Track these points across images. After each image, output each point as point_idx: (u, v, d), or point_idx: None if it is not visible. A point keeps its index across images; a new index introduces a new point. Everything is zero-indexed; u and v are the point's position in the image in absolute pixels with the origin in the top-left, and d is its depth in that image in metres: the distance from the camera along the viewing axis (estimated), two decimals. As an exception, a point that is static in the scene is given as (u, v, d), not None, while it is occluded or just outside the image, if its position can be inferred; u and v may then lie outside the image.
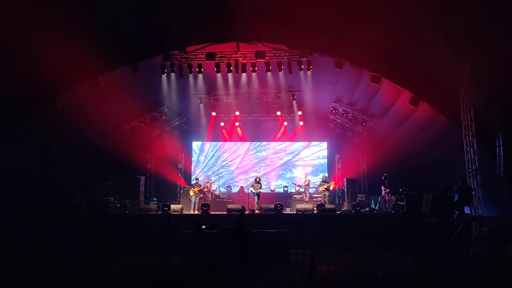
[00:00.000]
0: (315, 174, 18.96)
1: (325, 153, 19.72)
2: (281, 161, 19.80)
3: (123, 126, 16.82)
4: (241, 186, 17.94)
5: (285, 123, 19.39)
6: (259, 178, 16.16)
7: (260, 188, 15.66)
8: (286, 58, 14.33)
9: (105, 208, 13.96)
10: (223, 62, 14.44)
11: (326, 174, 18.21)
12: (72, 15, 10.29)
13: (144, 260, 8.94)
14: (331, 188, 16.88)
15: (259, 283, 8.52)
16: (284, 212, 14.29)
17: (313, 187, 17.64)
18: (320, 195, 16.23)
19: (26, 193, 12.12)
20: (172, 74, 15.06)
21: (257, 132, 19.86)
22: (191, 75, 15.39)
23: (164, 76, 15.29)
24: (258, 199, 15.31)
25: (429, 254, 9.48)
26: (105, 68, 12.78)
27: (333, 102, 17.61)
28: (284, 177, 19.52)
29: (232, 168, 19.78)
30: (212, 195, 17.14)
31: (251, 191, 15.59)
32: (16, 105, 12.07)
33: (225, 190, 18.71)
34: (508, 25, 9.80)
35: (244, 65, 14.50)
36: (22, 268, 9.19)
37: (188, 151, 19.82)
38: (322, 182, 16.19)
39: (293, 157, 19.88)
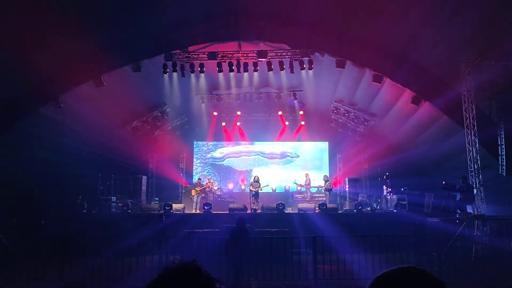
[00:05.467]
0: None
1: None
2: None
3: (125, 125, 16.85)
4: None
5: (287, 123, 19.39)
6: (258, 177, 16.16)
7: (259, 187, 15.66)
8: (287, 57, 14.33)
9: (107, 208, 13.99)
10: (225, 62, 14.45)
11: (326, 174, 18.09)
12: (75, 14, 10.31)
13: (146, 258, 8.95)
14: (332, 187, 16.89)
15: (261, 282, 8.53)
16: (285, 212, 14.29)
17: (314, 187, 17.64)
18: (323, 194, 16.26)
19: (28, 191, 12.16)
20: (174, 74, 15.07)
21: (258, 131, 19.86)
22: (193, 75, 15.40)
23: (166, 76, 15.30)
24: (256, 198, 15.32)
25: (431, 253, 9.46)
26: (108, 68, 12.83)
27: (335, 101, 17.61)
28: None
29: (227, 168, 19.75)
30: (213, 194, 17.15)
31: (250, 190, 15.60)
32: (19, 104, 12.11)
33: (227, 190, 18.73)
34: (511, 23, 9.79)
35: (246, 64, 14.50)
36: (22, 266, 9.20)
37: (190, 150, 19.85)
38: (325, 181, 16.22)
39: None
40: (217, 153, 20.02)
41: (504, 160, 11.48)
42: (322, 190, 16.43)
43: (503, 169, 11.49)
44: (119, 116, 15.29)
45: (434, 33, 10.92)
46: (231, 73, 15.16)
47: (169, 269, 1.22)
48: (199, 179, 16.87)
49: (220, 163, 19.95)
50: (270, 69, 14.60)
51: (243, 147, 20.07)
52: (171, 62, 14.37)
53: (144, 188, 16.90)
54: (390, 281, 1.16)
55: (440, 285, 1.14)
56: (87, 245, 10.13)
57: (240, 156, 19.97)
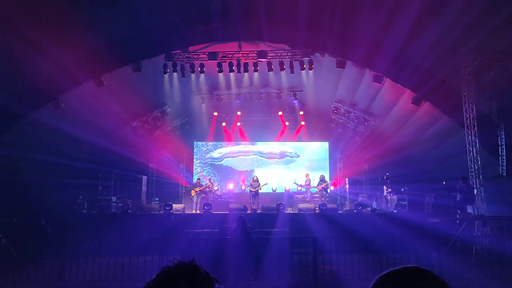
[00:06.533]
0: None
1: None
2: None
3: (125, 125, 16.84)
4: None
5: (287, 123, 19.39)
6: (257, 177, 16.16)
7: (258, 187, 15.67)
8: (288, 57, 14.33)
9: (108, 208, 14.00)
10: (225, 62, 14.45)
11: (323, 174, 18.04)
12: (76, 15, 10.32)
13: (146, 258, 8.95)
14: (331, 188, 16.87)
15: (261, 282, 8.53)
16: (286, 212, 14.28)
17: (314, 187, 17.64)
18: (317, 194, 16.24)
19: (28, 191, 12.15)
20: (174, 74, 15.07)
21: (258, 132, 19.85)
22: (193, 75, 15.38)
23: (166, 76, 15.30)
24: (255, 198, 15.32)
25: (431, 253, 9.46)
26: (108, 68, 12.83)
27: (335, 102, 17.61)
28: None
29: (227, 168, 19.76)
30: (213, 194, 17.14)
31: (249, 190, 15.61)
32: (19, 103, 12.11)
33: (227, 190, 18.73)
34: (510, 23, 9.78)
35: (246, 64, 14.49)
36: (22, 266, 9.20)
37: (190, 151, 19.85)
38: (320, 181, 16.19)
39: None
40: (216, 153, 20.03)
41: (505, 161, 11.49)
42: (317, 190, 16.39)
43: (503, 169, 11.50)
44: (119, 116, 15.27)
45: (434, 33, 10.92)
46: (231, 73, 15.17)
47: (168, 269, 1.22)
48: (198, 179, 16.88)
49: (219, 163, 19.94)
50: (270, 69, 14.59)
51: (241, 147, 20.06)
52: (171, 62, 14.37)
53: (144, 188, 16.91)
54: (393, 281, 1.15)
55: (443, 285, 1.13)
56: (87, 245, 10.13)
57: (238, 156, 19.95)
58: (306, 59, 14.11)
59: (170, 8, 11.68)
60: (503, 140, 11.65)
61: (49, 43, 10.36)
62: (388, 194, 15.26)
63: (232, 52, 14.42)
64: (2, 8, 9.65)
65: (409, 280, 1.13)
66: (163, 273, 1.21)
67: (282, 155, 19.96)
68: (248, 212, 14.03)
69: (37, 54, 10.57)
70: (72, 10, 10.10)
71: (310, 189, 17.26)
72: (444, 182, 12.44)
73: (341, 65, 13.41)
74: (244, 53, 14.44)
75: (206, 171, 19.76)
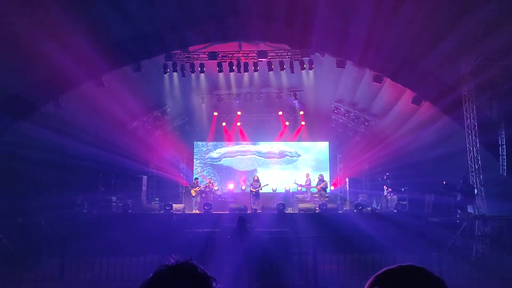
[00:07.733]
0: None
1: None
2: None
3: (126, 125, 16.84)
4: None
5: (287, 123, 19.38)
6: (258, 177, 16.16)
7: (259, 187, 15.66)
8: (288, 57, 14.32)
9: (108, 208, 13.99)
10: (225, 62, 14.45)
11: (325, 173, 18.01)
12: (75, 15, 10.32)
13: (146, 258, 8.94)
14: (332, 188, 16.83)
15: (261, 283, 8.52)
16: (286, 212, 14.28)
17: (314, 187, 17.63)
18: (317, 194, 16.25)
19: (29, 191, 12.15)
20: (174, 74, 15.06)
21: (258, 132, 19.83)
22: (193, 75, 15.38)
23: (166, 76, 15.30)
24: (257, 198, 15.31)
25: (431, 253, 9.45)
26: (108, 68, 12.81)
27: (335, 101, 17.61)
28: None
29: (228, 168, 19.77)
30: (214, 194, 17.13)
31: (250, 190, 15.60)
32: (19, 103, 12.12)
33: (227, 190, 18.72)
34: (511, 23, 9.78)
35: (246, 64, 14.49)
36: (23, 266, 9.20)
37: (190, 151, 19.85)
38: (319, 181, 16.18)
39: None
40: (215, 153, 20.02)
41: (505, 160, 11.48)
42: (315, 190, 16.37)
43: (504, 169, 11.49)
44: (120, 116, 15.27)
45: (434, 33, 10.91)
46: (231, 73, 15.15)
47: (165, 268, 1.22)
48: (196, 179, 16.86)
49: (218, 163, 19.92)
50: (270, 69, 14.57)
51: (240, 147, 20.04)
52: (171, 62, 14.37)
53: (144, 188, 16.88)
54: (390, 279, 1.15)
55: (440, 283, 1.13)
56: (87, 245, 10.13)
57: (236, 156, 19.92)
58: (306, 59, 14.10)
59: (170, 8, 11.67)
60: (503, 140, 11.64)
61: (49, 43, 10.36)
62: (389, 194, 15.26)
63: (232, 52, 14.42)
64: (2, 7, 9.65)
65: (405, 279, 1.13)
66: (159, 272, 1.21)
67: (282, 155, 19.93)
68: (248, 212, 14.03)
69: (36, 54, 10.56)
70: (72, 10, 10.09)
71: (310, 189, 17.25)
72: (444, 182, 12.43)
73: (341, 65, 13.41)
74: (244, 53, 14.43)
75: (206, 171, 19.76)
